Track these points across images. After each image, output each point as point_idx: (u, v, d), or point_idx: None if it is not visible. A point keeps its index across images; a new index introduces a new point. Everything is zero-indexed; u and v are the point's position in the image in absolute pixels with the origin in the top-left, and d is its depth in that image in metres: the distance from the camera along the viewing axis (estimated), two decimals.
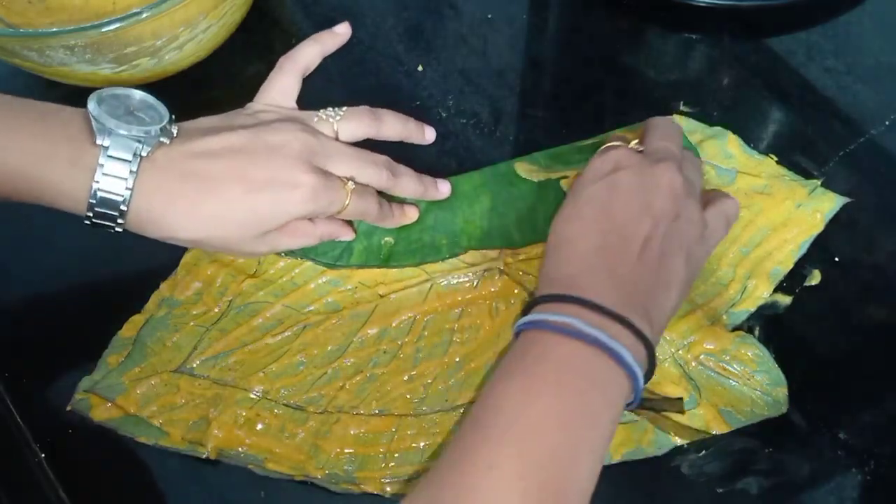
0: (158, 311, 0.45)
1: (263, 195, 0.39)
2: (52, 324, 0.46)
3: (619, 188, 0.39)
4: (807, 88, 0.54)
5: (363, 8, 0.59)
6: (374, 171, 0.43)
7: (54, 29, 0.43)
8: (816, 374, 0.44)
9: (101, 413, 0.42)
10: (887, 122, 0.52)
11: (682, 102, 0.53)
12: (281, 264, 0.46)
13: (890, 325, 0.46)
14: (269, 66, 0.55)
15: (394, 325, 0.45)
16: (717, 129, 0.51)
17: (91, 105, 0.38)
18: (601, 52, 0.57)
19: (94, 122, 0.37)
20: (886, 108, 0.53)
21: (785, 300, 0.46)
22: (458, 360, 0.44)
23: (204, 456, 0.41)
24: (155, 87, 0.52)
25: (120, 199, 0.37)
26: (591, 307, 0.35)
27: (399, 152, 0.52)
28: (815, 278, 0.46)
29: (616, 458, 0.41)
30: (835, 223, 0.48)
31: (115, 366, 0.43)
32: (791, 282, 0.46)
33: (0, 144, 0.37)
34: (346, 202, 0.42)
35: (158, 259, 0.47)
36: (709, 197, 0.43)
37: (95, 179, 0.37)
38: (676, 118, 0.52)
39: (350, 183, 0.42)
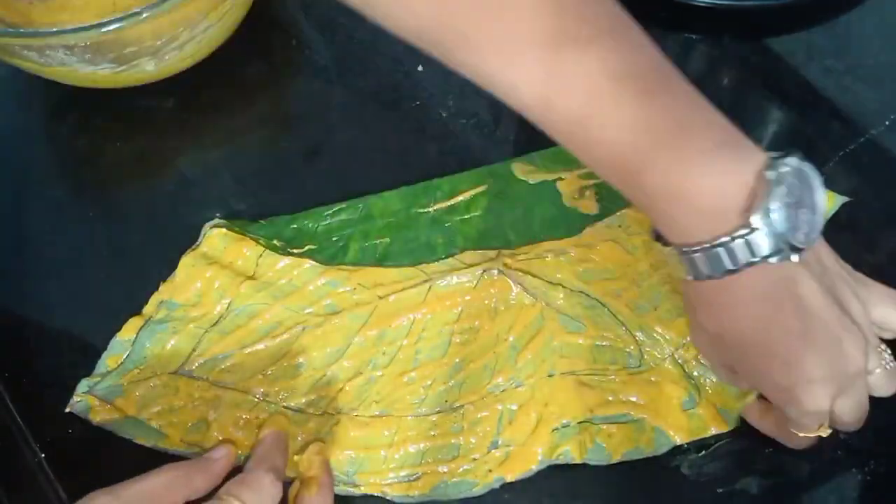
0: (157, 313, 0.45)
1: None
2: (52, 324, 0.46)
3: None
4: (807, 88, 0.54)
5: None
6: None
7: (54, 29, 0.43)
8: None
9: (100, 415, 0.42)
10: (887, 122, 0.52)
11: None
12: (279, 266, 0.46)
13: None
14: (269, 66, 0.56)
15: (393, 326, 0.45)
16: None
17: (794, 162, 0.32)
18: None
19: (765, 194, 0.31)
20: (886, 108, 0.53)
21: None
22: (457, 360, 0.44)
23: None
24: (155, 87, 0.53)
25: (689, 276, 0.33)
26: None
27: (397, 152, 0.52)
28: None
29: (616, 458, 0.41)
30: (835, 223, 0.48)
31: (113, 367, 0.43)
32: None
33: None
34: None
35: (157, 261, 0.47)
36: None
37: (709, 243, 0.32)
38: None
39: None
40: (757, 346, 0.34)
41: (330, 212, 0.48)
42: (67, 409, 0.42)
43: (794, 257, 0.32)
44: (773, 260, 0.32)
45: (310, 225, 0.48)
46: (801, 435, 0.38)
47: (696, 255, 0.33)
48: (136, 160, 0.52)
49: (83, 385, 0.43)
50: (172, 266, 0.46)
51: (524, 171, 0.49)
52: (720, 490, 0.41)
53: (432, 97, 0.54)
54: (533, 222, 0.48)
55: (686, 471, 0.42)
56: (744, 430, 0.42)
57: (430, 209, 0.48)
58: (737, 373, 0.38)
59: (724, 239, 0.32)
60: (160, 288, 0.46)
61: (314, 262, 0.46)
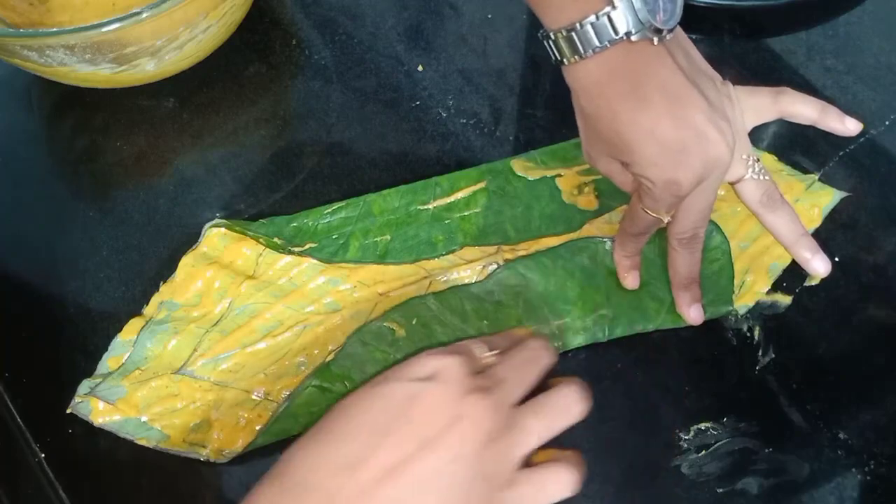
0: (158, 313, 0.45)
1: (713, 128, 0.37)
2: (52, 324, 0.46)
3: (413, 401, 0.32)
4: (807, 88, 0.54)
5: (363, 8, 0.59)
6: None
7: (54, 29, 0.43)
8: (816, 374, 0.44)
9: (102, 416, 0.42)
10: (887, 122, 0.52)
11: None
12: (280, 264, 0.46)
13: (890, 325, 0.46)
14: (269, 66, 0.56)
15: None
16: None
17: None
18: None
19: None
20: (886, 108, 0.53)
21: (785, 300, 0.46)
22: None
23: (204, 458, 0.41)
24: (155, 87, 0.53)
25: (572, 58, 0.36)
26: None
27: (397, 152, 0.52)
28: (815, 278, 0.46)
29: None
30: (835, 223, 0.48)
31: (114, 368, 0.43)
32: (791, 282, 0.46)
33: None
34: None
35: (157, 261, 0.47)
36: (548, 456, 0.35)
37: (578, 22, 0.36)
38: None
39: None
40: (625, 118, 0.37)
41: (330, 210, 0.48)
42: (69, 410, 0.42)
43: (655, 39, 0.36)
44: (634, 37, 0.36)
45: (310, 223, 0.48)
46: (643, 213, 0.40)
47: (569, 34, 0.36)
48: (135, 160, 0.52)
49: (84, 386, 0.43)
50: (172, 266, 0.46)
51: (523, 167, 0.49)
52: (720, 490, 0.41)
53: (432, 97, 0.54)
54: (532, 218, 0.48)
55: (686, 471, 0.42)
56: (744, 430, 0.42)
57: (430, 206, 0.48)
58: (618, 162, 0.40)
59: (590, 18, 0.36)
60: (160, 288, 0.46)
61: (314, 261, 0.46)
